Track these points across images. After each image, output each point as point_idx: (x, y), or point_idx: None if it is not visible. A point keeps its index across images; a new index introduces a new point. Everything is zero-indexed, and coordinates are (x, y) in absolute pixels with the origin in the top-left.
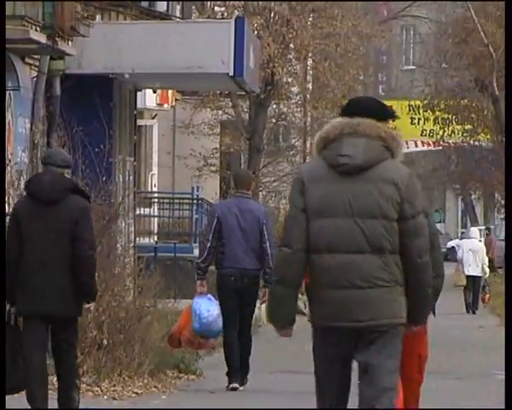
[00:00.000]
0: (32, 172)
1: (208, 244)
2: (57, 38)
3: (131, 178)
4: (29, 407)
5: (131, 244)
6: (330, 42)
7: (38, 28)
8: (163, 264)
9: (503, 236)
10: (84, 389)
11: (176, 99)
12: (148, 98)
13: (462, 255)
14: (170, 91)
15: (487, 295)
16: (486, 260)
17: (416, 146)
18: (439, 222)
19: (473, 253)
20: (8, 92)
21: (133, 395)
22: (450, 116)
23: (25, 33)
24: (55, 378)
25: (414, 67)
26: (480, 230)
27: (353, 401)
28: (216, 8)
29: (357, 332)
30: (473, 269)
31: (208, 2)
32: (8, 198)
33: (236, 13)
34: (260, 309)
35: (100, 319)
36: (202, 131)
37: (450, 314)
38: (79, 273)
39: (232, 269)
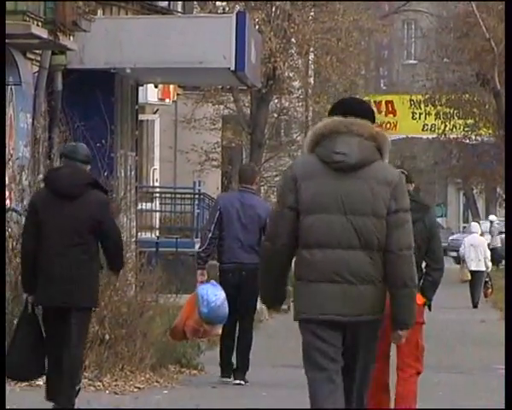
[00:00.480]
0: (33, 167)
1: (209, 235)
2: (59, 33)
3: (133, 172)
4: (29, 407)
5: (133, 239)
6: (332, 36)
7: (40, 23)
8: (165, 259)
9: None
10: (86, 384)
11: (177, 94)
12: (150, 93)
13: (464, 252)
14: (171, 86)
15: (489, 290)
16: (488, 253)
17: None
18: (441, 216)
19: (474, 248)
20: (9, 87)
21: (135, 389)
22: (451, 111)
23: (26, 28)
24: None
25: (415, 62)
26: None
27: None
28: (217, 3)
29: (344, 326)
30: (475, 264)
31: None
32: (10, 193)
33: (238, 7)
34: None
35: (102, 313)
36: (204, 125)
37: (453, 309)
38: (114, 261)
39: (230, 264)
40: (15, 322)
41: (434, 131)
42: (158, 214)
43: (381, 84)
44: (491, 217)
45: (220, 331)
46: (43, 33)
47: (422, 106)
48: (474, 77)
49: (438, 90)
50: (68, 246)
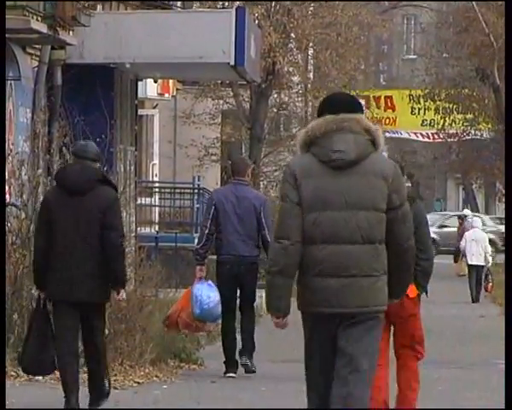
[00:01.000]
0: (33, 162)
1: (206, 231)
2: (58, 28)
3: (132, 167)
4: (29, 407)
5: (132, 234)
6: (331, 31)
7: (40, 18)
8: (164, 254)
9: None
10: (85, 379)
11: (177, 89)
12: (149, 88)
13: (465, 245)
14: (171, 81)
15: (490, 284)
16: (489, 249)
17: (417, 137)
18: (440, 211)
19: (476, 242)
20: (9, 82)
21: (134, 384)
22: (451, 106)
23: (26, 23)
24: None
25: (415, 57)
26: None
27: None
28: None
29: (344, 318)
30: (476, 258)
31: None
32: (10, 188)
33: (237, 2)
34: (262, 299)
35: None
36: (203, 120)
37: (452, 303)
38: (109, 261)
39: (228, 256)
40: (15, 317)
41: (434, 126)
42: (157, 209)
43: (381, 79)
44: (466, 211)
45: (212, 328)
46: (43, 28)
47: (422, 101)
48: (473, 72)
49: (437, 84)
50: (79, 241)
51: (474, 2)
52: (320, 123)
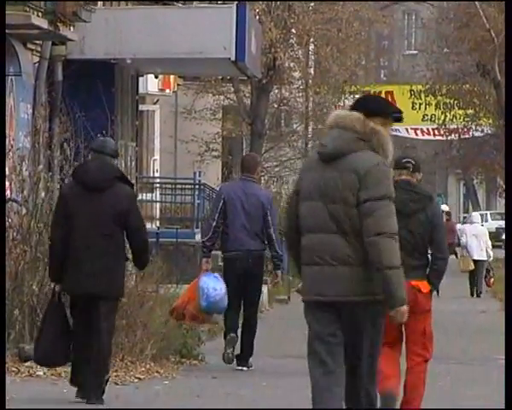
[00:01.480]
0: (34, 158)
1: (214, 224)
2: (59, 24)
3: (133, 163)
4: (29, 407)
5: None
6: (332, 27)
7: (40, 14)
8: (165, 249)
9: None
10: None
11: (178, 84)
12: (150, 83)
13: (466, 240)
14: (171, 77)
15: (492, 279)
16: (490, 243)
17: (416, 135)
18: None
19: (476, 237)
20: (9, 78)
21: (135, 380)
22: (451, 101)
23: (27, 19)
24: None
25: (415, 52)
26: (482, 215)
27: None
28: None
29: (335, 307)
30: (477, 253)
31: None
32: (10, 183)
33: None
34: (263, 293)
35: None
36: (204, 116)
37: (453, 298)
38: (138, 258)
39: (236, 252)
40: (15, 312)
41: (434, 121)
42: (158, 205)
43: (382, 75)
44: (443, 207)
45: (218, 320)
46: (44, 24)
47: (422, 96)
48: (474, 67)
49: (438, 80)
50: (96, 237)
51: None
52: (328, 118)
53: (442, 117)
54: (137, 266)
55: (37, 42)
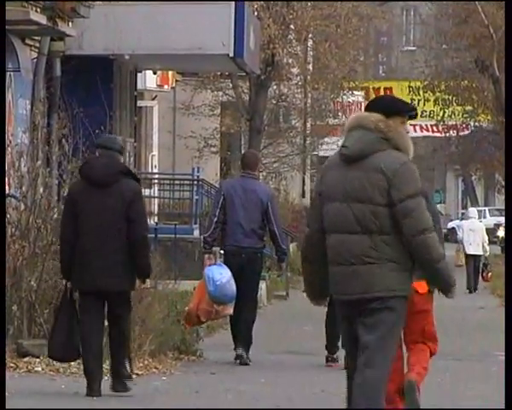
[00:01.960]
0: (32, 154)
1: (215, 219)
2: (57, 19)
3: (132, 159)
4: (29, 407)
5: None
6: (330, 23)
7: (39, 9)
8: (163, 245)
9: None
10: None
11: (176, 80)
12: (149, 79)
13: (462, 235)
14: (170, 73)
15: (489, 274)
16: (487, 238)
17: (415, 131)
18: (440, 203)
19: (473, 232)
20: (8, 73)
21: (134, 375)
22: (450, 97)
23: (25, 14)
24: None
25: (414, 48)
26: (480, 211)
27: None
28: None
29: (357, 304)
30: (473, 248)
31: None
32: (9, 179)
33: None
34: (261, 290)
35: None
36: (202, 112)
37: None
38: (136, 255)
39: (231, 247)
40: (14, 308)
41: (433, 117)
42: (156, 201)
43: (380, 71)
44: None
45: (231, 311)
46: (42, 19)
47: (421, 92)
48: (472, 63)
49: (436, 76)
50: (104, 232)
51: None
52: (349, 119)
53: (441, 113)
54: (137, 273)
55: (36, 38)
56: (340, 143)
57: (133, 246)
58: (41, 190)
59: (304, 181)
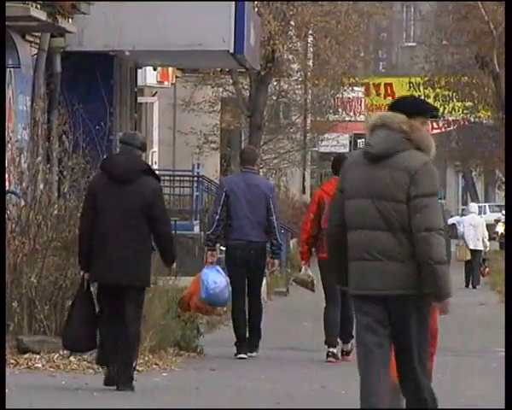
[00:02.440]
0: (32, 150)
1: (217, 217)
2: (58, 16)
3: None
4: (29, 407)
5: None
6: (331, 19)
7: (39, 5)
8: None
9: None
10: (85, 366)
11: (176, 76)
12: (149, 76)
13: (463, 231)
14: (170, 69)
15: (487, 269)
16: (486, 233)
17: None
18: (440, 199)
19: (473, 227)
20: (8, 70)
21: (134, 372)
22: (450, 93)
23: (25, 10)
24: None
25: (414, 44)
26: (480, 207)
27: None
28: None
29: (383, 301)
30: (473, 243)
31: None
32: (9, 175)
33: None
34: (264, 286)
35: None
36: (203, 108)
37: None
38: (164, 250)
39: (239, 241)
40: (14, 304)
41: None
42: None
43: (380, 67)
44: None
45: (222, 312)
46: (42, 16)
47: (421, 88)
48: (472, 59)
49: (437, 72)
50: (122, 228)
51: None
52: (372, 118)
53: (441, 109)
54: (164, 262)
55: (36, 34)
56: (339, 139)
57: (159, 243)
58: (41, 186)
59: (304, 177)
